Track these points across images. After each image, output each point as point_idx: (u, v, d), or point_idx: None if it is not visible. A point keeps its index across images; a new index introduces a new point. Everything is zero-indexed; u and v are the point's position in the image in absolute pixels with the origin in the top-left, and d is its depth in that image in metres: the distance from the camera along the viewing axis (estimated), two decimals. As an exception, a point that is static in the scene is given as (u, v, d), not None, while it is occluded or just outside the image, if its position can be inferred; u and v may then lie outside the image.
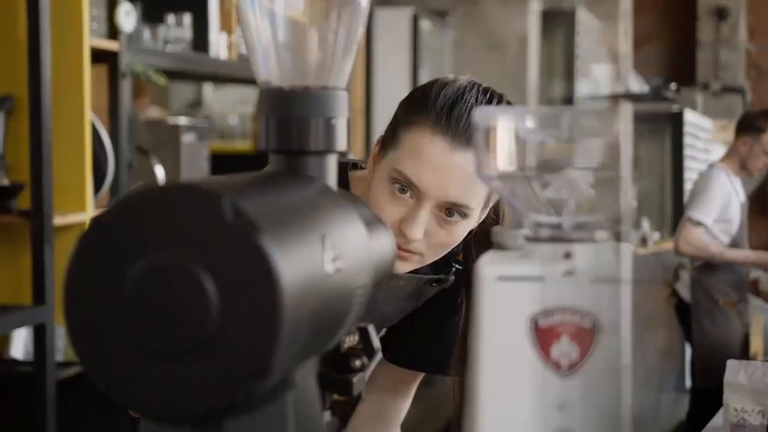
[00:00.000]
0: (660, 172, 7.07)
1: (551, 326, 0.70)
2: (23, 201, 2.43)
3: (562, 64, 7.37)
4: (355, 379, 0.91)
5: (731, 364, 2.04)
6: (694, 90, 7.69)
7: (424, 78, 6.05)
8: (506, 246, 0.80)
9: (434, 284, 1.43)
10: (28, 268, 2.36)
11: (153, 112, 3.93)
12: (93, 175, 2.55)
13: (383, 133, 1.34)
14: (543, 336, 0.70)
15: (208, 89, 5.41)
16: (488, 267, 0.71)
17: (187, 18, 3.07)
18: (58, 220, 2.43)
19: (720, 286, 4.41)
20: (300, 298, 0.65)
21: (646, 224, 6.33)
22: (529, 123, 0.73)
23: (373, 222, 0.89)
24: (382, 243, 0.88)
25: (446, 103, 1.24)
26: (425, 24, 5.56)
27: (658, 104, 6.54)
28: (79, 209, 2.51)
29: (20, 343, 2.60)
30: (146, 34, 2.97)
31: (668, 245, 6.55)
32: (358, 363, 0.92)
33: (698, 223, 4.27)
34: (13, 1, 2.47)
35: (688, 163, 7.03)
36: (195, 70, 3.14)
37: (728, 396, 1.97)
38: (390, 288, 1.39)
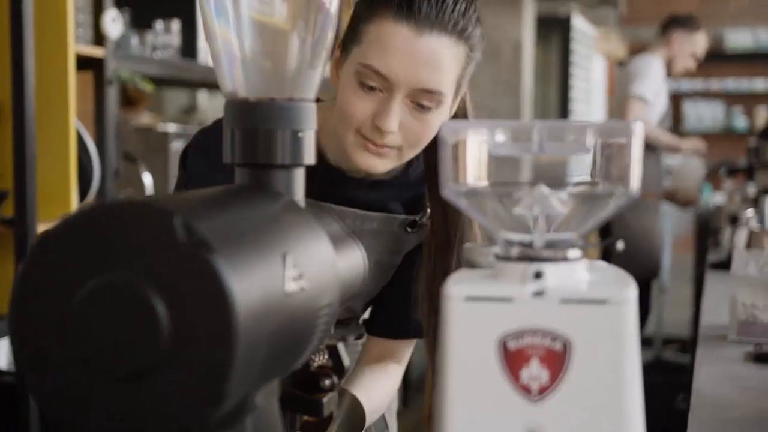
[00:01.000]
0: (547, 77, 7.15)
1: (521, 349, 0.67)
2: (6, 209, 2.40)
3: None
4: (325, 400, 0.88)
5: (739, 255, 1.88)
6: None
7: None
8: (477, 263, 0.77)
9: (409, 229, 1.41)
10: (12, 276, 2.33)
11: (146, 119, 3.91)
12: (78, 182, 2.52)
13: (342, 37, 1.32)
14: (512, 359, 0.67)
15: (202, 95, 5.38)
16: (456, 287, 0.68)
17: (176, 24, 3.05)
18: (42, 229, 2.40)
19: (645, 177, 4.46)
20: (257, 320, 0.62)
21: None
22: (499, 137, 0.70)
23: (341, 237, 0.86)
24: (351, 259, 0.86)
25: None
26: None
27: (557, 4, 6.61)
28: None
29: (3, 353, 2.57)
30: (134, 40, 2.94)
31: None
32: (328, 382, 0.89)
33: (641, 98, 4.37)
34: (-2, 7, 2.44)
35: (572, 70, 7.16)
36: (183, 76, 3.11)
37: (736, 289, 1.81)
38: (364, 234, 1.37)
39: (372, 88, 1.24)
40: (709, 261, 3.24)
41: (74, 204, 2.50)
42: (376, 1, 1.24)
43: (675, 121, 10.14)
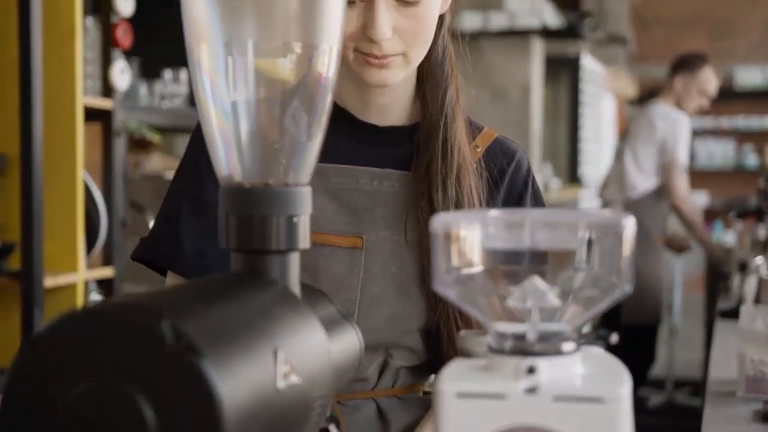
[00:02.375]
0: (556, 116, 7.17)
1: (514, 446, 0.66)
2: (13, 261, 2.40)
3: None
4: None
5: (746, 310, 1.86)
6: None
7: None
8: (471, 352, 0.77)
9: None
10: (18, 330, 2.33)
11: (156, 161, 3.92)
12: (86, 233, 2.53)
13: None
14: (505, 456, 0.66)
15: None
16: (448, 383, 0.68)
17: (184, 74, 3.07)
18: (49, 282, 2.40)
19: (653, 221, 4.46)
20: (246, 421, 0.62)
21: (548, 170, 6.34)
22: (491, 228, 0.70)
23: (336, 320, 0.86)
24: (346, 344, 0.85)
25: None
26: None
27: (566, 45, 6.62)
28: (71, 269, 2.49)
29: None
30: (142, 89, 2.96)
31: (570, 193, 6.65)
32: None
33: (685, 166, 4.43)
34: (6, 59, 2.46)
35: (581, 109, 7.19)
36: (192, 125, 3.12)
37: (743, 345, 1.78)
38: (382, 196, 1.25)
39: (352, 2, 1.15)
40: (718, 309, 3.22)
41: (81, 256, 2.50)
42: None
43: (686, 159, 10.12)
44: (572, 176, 7.39)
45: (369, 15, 1.15)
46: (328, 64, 0.82)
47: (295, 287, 0.81)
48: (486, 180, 1.28)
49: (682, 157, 4.43)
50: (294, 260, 0.82)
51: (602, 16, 9.49)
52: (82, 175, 2.49)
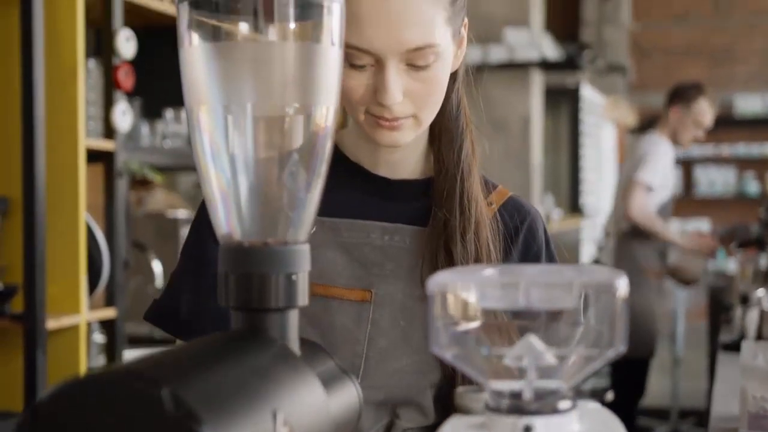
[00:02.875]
0: (557, 146, 7.19)
1: (511, 505, 0.67)
2: (16, 304, 2.41)
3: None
4: None
5: (747, 345, 1.85)
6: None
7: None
8: (470, 409, 0.77)
9: None
10: (21, 373, 2.33)
11: (159, 197, 3.94)
12: (88, 275, 2.54)
13: None
14: None
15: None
16: (445, 442, 0.68)
17: (185, 113, 3.09)
18: (52, 324, 2.41)
19: (647, 255, 4.43)
20: (246, 485, 0.62)
21: (549, 200, 6.35)
22: (486, 288, 0.71)
23: (335, 376, 0.87)
24: (345, 398, 0.86)
25: None
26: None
27: (565, 76, 6.65)
28: (73, 311, 2.50)
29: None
30: (144, 129, 2.98)
31: (571, 223, 6.66)
32: None
33: (647, 186, 4.36)
34: (9, 101, 2.48)
35: (582, 139, 7.22)
36: (192, 164, 3.15)
37: (745, 382, 1.77)
38: (394, 251, 1.24)
39: (362, 66, 1.14)
40: (721, 341, 3.22)
41: (84, 297, 2.51)
42: None
43: (687, 187, 10.20)
44: (574, 206, 7.41)
45: (379, 79, 1.14)
46: (325, 124, 0.83)
47: (294, 344, 0.82)
48: (502, 236, 1.27)
49: (644, 175, 4.37)
50: (293, 317, 0.83)
51: (601, 46, 9.56)
52: (84, 216, 2.51)
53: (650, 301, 4.43)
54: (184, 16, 0.81)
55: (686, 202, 10.14)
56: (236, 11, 0.83)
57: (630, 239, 4.43)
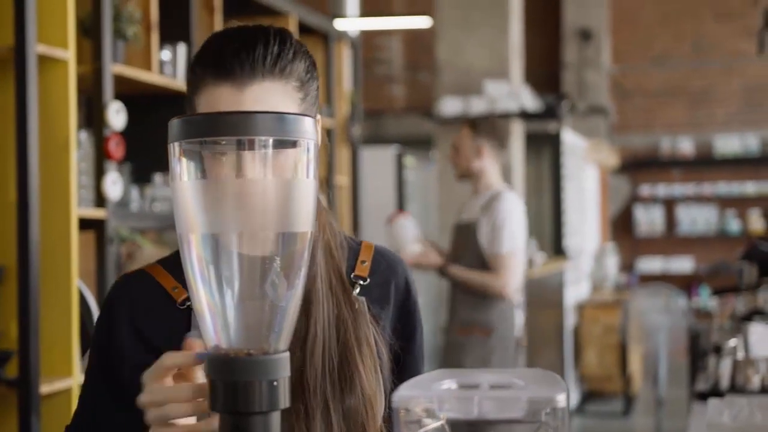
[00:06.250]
0: (539, 190, 7.32)
1: None
2: (10, 369, 2.49)
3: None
4: None
5: (713, 403, 1.92)
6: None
7: (411, 211, 6.18)
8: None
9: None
10: (15, 436, 2.41)
11: (148, 251, 4.01)
12: (80, 339, 2.62)
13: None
14: None
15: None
16: None
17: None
18: (45, 388, 2.49)
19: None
20: None
21: (532, 245, 6.43)
22: (445, 402, 0.81)
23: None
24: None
25: (220, 47, 1.23)
26: (409, 160, 5.70)
27: (546, 122, 6.76)
28: (65, 374, 2.58)
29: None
30: (134, 193, 3.08)
31: (555, 266, 6.75)
32: None
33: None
34: (4, 174, 2.58)
35: (563, 183, 7.35)
36: (181, 225, 3.23)
37: None
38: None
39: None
40: (696, 390, 3.30)
41: (76, 361, 2.59)
42: (197, 72, 1.25)
43: (669, 225, 10.35)
44: (557, 248, 7.51)
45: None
46: (304, 245, 0.93)
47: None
48: (378, 296, 1.34)
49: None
50: (275, 419, 0.92)
51: (582, 89, 9.73)
52: (77, 283, 2.60)
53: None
54: (175, 154, 0.92)
55: (669, 241, 10.30)
56: (222, 149, 0.93)
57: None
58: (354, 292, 1.30)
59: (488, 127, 3.94)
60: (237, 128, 0.90)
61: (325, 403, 1.23)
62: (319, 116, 1.32)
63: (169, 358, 1.01)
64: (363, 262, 1.36)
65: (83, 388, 1.32)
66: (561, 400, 0.78)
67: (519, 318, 4.02)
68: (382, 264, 1.37)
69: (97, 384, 1.30)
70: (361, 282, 1.32)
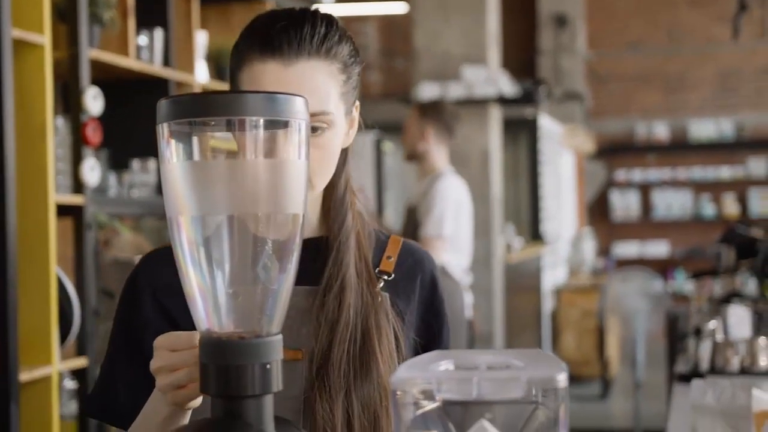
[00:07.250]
0: (516, 176, 7.37)
1: None
2: (-11, 357, 2.46)
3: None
4: None
5: (697, 384, 1.92)
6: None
7: (390, 198, 6.19)
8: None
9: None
10: (-5, 425, 2.38)
11: (126, 238, 3.98)
12: (59, 326, 2.60)
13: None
14: None
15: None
16: None
17: (152, 163, 3.16)
18: (24, 376, 2.46)
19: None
20: None
21: (510, 230, 6.48)
22: (443, 383, 0.80)
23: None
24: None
25: (267, 25, 1.25)
26: (387, 146, 5.69)
27: (523, 108, 6.79)
28: (45, 362, 2.55)
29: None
30: (112, 179, 3.05)
31: (532, 251, 6.78)
32: None
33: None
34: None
35: (540, 168, 7.40)
36: (159, 211, 3.21)
37: (696, 419, 1.84)
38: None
39: None
40: (676, 372, 3.32)
41: (55, 348, 2.57)
42: (242, 49, 1.26)
43: (645, 210, 10.40)
44: (534, 234, 7.54)
45: None
46: (295, 227, 0.92)
47: (270, 427, 0.90)
48: (403, 291, 1.34)
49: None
50: (268, 402, 0.91)
51: (558, 75, 9.74)
52: (55, 271, 2.57)
53: None
54: (164, 135, 0.90)
55: (645, 225, 10.36)
56: (211, 130, 0.91)
57: None
58: (378, 287, 1.31)
59: (434, 112, 4.05)
60: (227, 108, 0.89)
61: (348, 386, 1.24)
62: (357, 102, 1.33)
63: (189, 337, 1.00)
64: (389, 257, 1.36)
65: (105, 360, 1.33)
66: (561, 380, 0.78)
67: (468, 299, 4.08)
68: (409, 260, 1.37)
69: (119, 356, 1.30)
70: (386, 277, 1.33)
